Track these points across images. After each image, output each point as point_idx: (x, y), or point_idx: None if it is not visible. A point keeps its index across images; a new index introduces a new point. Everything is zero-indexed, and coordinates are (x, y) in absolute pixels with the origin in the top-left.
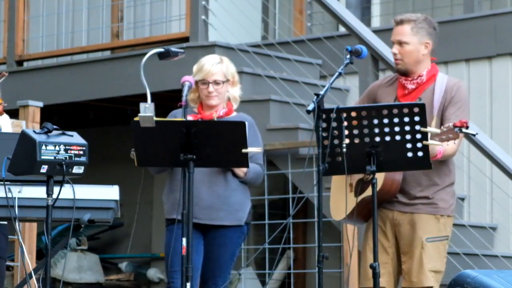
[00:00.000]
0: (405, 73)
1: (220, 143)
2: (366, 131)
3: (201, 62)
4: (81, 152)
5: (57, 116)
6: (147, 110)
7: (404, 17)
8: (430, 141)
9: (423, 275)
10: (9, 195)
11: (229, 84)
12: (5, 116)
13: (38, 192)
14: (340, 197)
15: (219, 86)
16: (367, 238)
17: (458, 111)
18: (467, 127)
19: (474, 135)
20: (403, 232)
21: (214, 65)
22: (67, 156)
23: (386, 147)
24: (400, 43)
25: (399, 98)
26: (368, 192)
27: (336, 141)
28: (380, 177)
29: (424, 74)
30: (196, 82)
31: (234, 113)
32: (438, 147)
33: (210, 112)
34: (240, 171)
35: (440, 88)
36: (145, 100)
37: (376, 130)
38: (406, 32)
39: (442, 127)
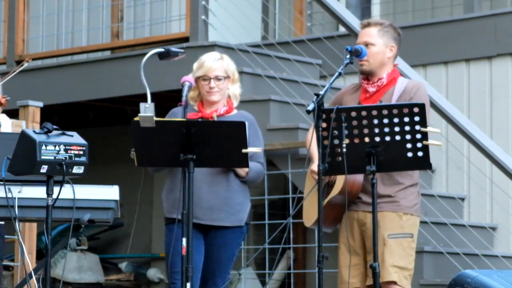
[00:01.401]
0: (368, 74)
1: (220, 143)
2: (366, 131)
3: (202, 59)
4: (81, 152)
5: (57, 116)
6: (147, 110)
7: (371, 20)
8: (430, 141)
9: (384, 270)
10: (9, 195)
11: (229, 81)
12: (5, 116)
13: (38, 192)
14: (310, 203)
15: (220, 82)
16: (338, 243)
17: None
18: None
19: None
20: (368, 231)
21: (215, 61)
22: (67, 156)
23: (386, 147)
24: (367, 45)
25: (361, 102)
26: (333, 193)
27: (336, 141)
28: (340, 179)
29: (384, 76)
30: (196, 80)
31: (235, 111)
32: None
33: (211, 109)
34: (242, 170)
35: (399, 90)
36: (145, 100)
37: (376, 130)
38: (373, 34)
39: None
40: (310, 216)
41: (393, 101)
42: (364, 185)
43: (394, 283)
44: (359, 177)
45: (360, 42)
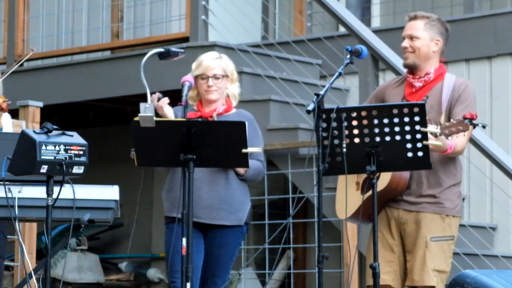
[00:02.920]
0: (412, 68)
1: (220, 143)
2: (366, 131)
3: (200, 58)
4: (81, 152)
5: (57, 116)
6: (147, 110)
7: (418, 13)
8: (430, 141)
9: (425, 274)
10: (9, 195)
11: (228, 80)
12: (7, 116)
13: (38, 192)
14: (344, 195)
15: (218, 80)
16: (371, 237)
17: (465, 110)
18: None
19: (484, 126)
20: (408, 230)
21: (214, 60)
22: (67, 156)
23: (386, 147)
24: (412, 38)
25: (406, 97)
26: (378, 188)
27: (336, 141)
28: (387, 174)
29: (431, 72)
30: (195, 79)
31: (234, 110)
32: (449, 142)
33: (209, 109)
34: (241, 168)
35: (448, 87)
36: (145, 100)
37: (376, 130)
38: (419, 27)
39: (451, 119)
40: (343, 209)
41: (443, 98)
42: (409, 183)
43: (433, 287)
44: (405, 174)
45: (405, 35)
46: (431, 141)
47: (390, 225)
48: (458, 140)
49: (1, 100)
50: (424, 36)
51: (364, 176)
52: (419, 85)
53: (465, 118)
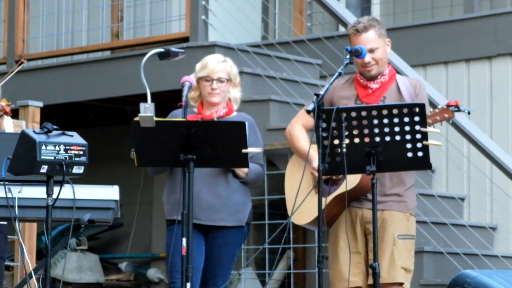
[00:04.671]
0: (375, 77)
1: (220, 143)
2: (366, 131)
3: (205, 60)
4: (81, 152)
5: (57, 116)
6: (147, 110)
7: (365, 24)
8: (430, 141)
9: (394, 271)
10: (9, 195)
11: (231, 84)
12: (8, 119)
13: (38, 192)
14: (304, 200)
15: (222, 84)
16: (336, 240)
17: None
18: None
19: (469, 112)
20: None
21: (219, 63)
22: (67, 156)
23: (386, 147)
24: (371, 50)
25: (362, 99)
26: (341, 189)
27: (336, 141)
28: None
29: (386, 73)
30: (198, 80)
31: (235, 113)
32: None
33: (210, 111)
34: (241, 171)
35: (405, 86)
36: (145, 100)
37: (376, 130)
38: (373, 37)
39: (431, 110)
40: (303, 215)
41: (405, 96)
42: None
43: (401, 284)
44: None
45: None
46: (431, 141)
47: (355, 225)
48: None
49: (5, 103)
50: (380, 44)
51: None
52: (376, 87)
53: (449, 106)
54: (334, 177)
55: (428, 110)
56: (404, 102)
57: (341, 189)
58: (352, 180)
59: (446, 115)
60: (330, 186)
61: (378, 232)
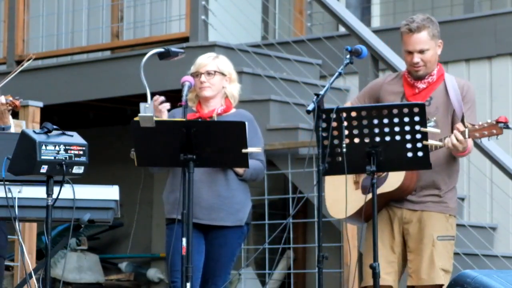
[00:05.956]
0: (423, 77)
1: (220, 143)
2: (366, 131)
3: (197, 58)
4: (81, 152)
5: (57, 116)
6: (147, 110)
7: (419, 24)
8: (430, 141)
9: (434, 272)
10: (9, 195)
11: (225, 79)
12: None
13: (38, 192)
14: (342, 195)
15: (210, 76)
16: (371, 236)
17: (468, 111)
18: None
19: None
20: (412, 230)
21: (207, 58)
22: (67, 156)
23: (386, 147)
24: (421, 51)
25: (408, 98)
26: (382, 189)
27: (336, 141)
28: (399, 173)
29: (434, 73)
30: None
31: (233, 110)
32: (470, 142)
33: (208, 109)
34: (240, 168)
35: (453, 88)
36: (145, 100)
37: (376, 130)
38: (425, 39)
39: (480, 122)
40: (341, 209)
41: (453, 99)
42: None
43: (441, 286)
44: (416, 174)
45: (413, 50)
46: (431, 141)
47: (393, 225)
48: (469, 142)
49: (11, 98)
50: (432, 46)
51: (363, 175)
52: (423, 87)
53: (498, 122)
54: (377, 175)
55: (476, 112)
56: (451, 103)
57: (383, 188)
58: (394, 181)
59: (494, 131)
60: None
61: (416, 233)
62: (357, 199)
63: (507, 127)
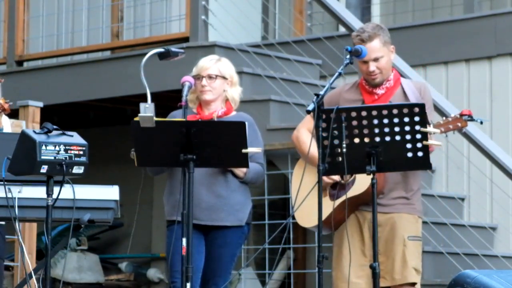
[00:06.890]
0: (380, 84)
1: (220, 143)
2: (366, 131)
3: (199, 61)
4: (81, 152)
5: (57, 116)
6: (147, 110)
7: (370, 33)
8: (430, 141)
9: (407, 271)
10: (9, 195)
11: (226, 83)
12: (5, 118)
13: (38, 192)
14: (310, 203)
15: (212, 80)
16: (341, 242)
17: (429, 110)
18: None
19: (481, 122)
20: (383, 232)
21: (210, 61)
22: (67, 156)
23: (386, 147)
24: (376, 59)
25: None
26: (349, 193)
27: (336, 141)
28: (366, 177)
29: (391, 78)
30: (195, 82)
31: (234, 113)
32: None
33: (208, 111)
34: (240, 171)
35: (411, 90)
36: (145, 100)
37: (376, 130)
38: (378, 47)
39: (444, 118)
40: (311, 217)
41: (412, 101)
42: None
43: (413, 284)
44: (382, 177)
45: (369, 59)
46: (431, 141)
47: (362, 229)
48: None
49: (2, 101)
50: (385, 52)
51: (329, 182)
52: (382, 92)
53: (462, 115)
54: (342, 182)
55: (433, 111)
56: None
57: (351, 192)
58: (361, 184)
59: (459, 124)
60: (339, 191)
61: (387, 235)
62: (325, 206)
63: (472, 119)
